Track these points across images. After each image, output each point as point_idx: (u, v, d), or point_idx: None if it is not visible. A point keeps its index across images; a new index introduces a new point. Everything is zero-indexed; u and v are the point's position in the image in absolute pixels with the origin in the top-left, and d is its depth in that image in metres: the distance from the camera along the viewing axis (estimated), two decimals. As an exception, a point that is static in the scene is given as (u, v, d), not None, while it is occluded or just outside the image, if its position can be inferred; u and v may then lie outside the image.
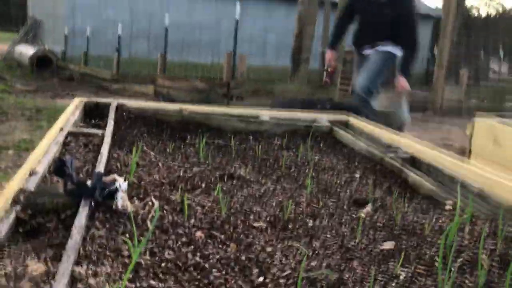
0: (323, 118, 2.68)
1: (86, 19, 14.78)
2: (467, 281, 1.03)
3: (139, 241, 0.97)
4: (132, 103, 2.46)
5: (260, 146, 2.16)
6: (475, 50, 14.80)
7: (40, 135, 5.47)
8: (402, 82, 4.25)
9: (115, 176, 1.18)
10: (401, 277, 1.03)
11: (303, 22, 7.73)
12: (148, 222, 1.11)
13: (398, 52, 4.41)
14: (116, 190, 1.13)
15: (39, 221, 1.05)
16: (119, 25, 13.14)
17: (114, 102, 2.40)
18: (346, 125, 2.69)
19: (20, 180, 1.21)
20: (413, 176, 1.78)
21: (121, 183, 1.14)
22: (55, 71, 12.78)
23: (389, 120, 3.84)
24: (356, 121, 2.67)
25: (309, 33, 7.83)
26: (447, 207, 1.50)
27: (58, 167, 1.13)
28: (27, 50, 14.41)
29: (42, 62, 13.33)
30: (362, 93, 4.28)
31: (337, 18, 4.98)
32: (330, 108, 4.09)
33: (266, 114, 2.63)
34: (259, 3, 17.89)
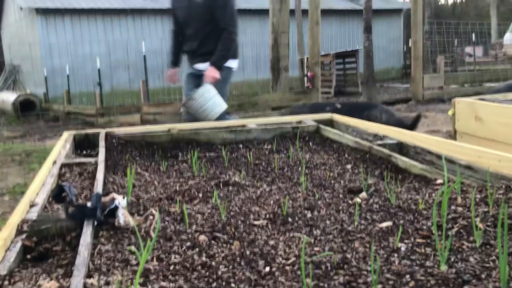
0: (309, 119, 2.74)
1: (63, 57, 14.83)
2: (465, 245, 1.07)
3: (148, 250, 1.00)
4: (120, 129, 2.49)
5: (251, 153, 2.20)
6: (447, 37, 15.07)
7: (33, 177, 5.46)
8: (210, 72, 3.81)
9: (114, 194, 1.21)
10: (402, 249, 1.07)
11: (276, 31, 7.85)
12: (152, 233, 1.14)
13: (233, 64, 4.06)
14: (116, 207, 1.16)
15: (46, 246, 1.08)
16: (97, 59, 13.20)
17: (102, 131, 2.43)
18: (331, 123, 2.74)
19: (22, 212, 1.23)
20: (402, 159, 1.83)
21: (120, 200, 1.17)
22: (39, 113, 12.77)
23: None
24: (340, 118, 2.72)
25: (284, 41, 7.93)
26: (438, 181, 1.55)
27: (57, 193, 1.16)
28: (8, 97, 14.40)
29: (25, 106, 13.33)
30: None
31: (170, 31, 4.31)
32: (341, 108, 4.08)
33: (252, 122, 2.68)
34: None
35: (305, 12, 16.17)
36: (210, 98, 3.71)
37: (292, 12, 10.69)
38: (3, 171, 5.95)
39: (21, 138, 9.62)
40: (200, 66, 4.05)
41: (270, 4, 7.89)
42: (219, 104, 3.77)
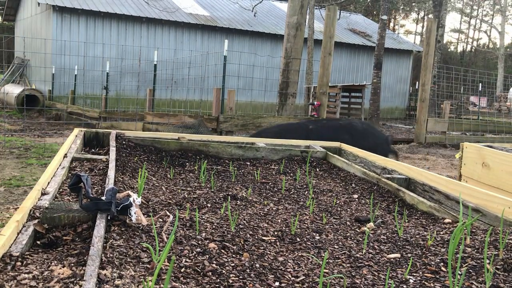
0: (317, 145, 2.75)
1: (73, 57, 14.94)
2: (474, 285, 1.06)
3: (159, 250, 1.00)
4: (131, 132, 2.50)
5: (258, 171, 2.21)
6: (455, 83, 15.26)
7: (30, 172, 5.43)
8: None
9: (129, 191, 1.21)
10: (411, 281, 1.06)
11: (289, 57, 7.94)
12: (163, 234, 1.13)
13: None
14: (130, 204, 1.16)
15: (56, 234, 1.07)
16: (107, 63, 13.29)
17: (113, 131, 2.44)
18: (339, 151, 2.76)
19: (34, 198, 1.23)
20: (411, 194, 1.84)
21: (135, 198, 1.17)
22: (42, 110, 12.78)
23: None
24: (348, 147, 2.73)
25: (295, 68, 8.02)
26: (446, 220, 1.55)
27: (74, 182, 1.16)
28: (13, 90, 14.44)
29: (29, 101, 13.36)
30: None
31: None
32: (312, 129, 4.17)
33: (261, 141, 2.69)
34: (245, 40, 18.32)
35: (317, 42, 16.41)
36: None
37: (305, 40, 10.84)
38: (1, 163, 5.92)
39: (21, 132, 9.61)
40: None
41: (286, 29, 8.00)
42: None
